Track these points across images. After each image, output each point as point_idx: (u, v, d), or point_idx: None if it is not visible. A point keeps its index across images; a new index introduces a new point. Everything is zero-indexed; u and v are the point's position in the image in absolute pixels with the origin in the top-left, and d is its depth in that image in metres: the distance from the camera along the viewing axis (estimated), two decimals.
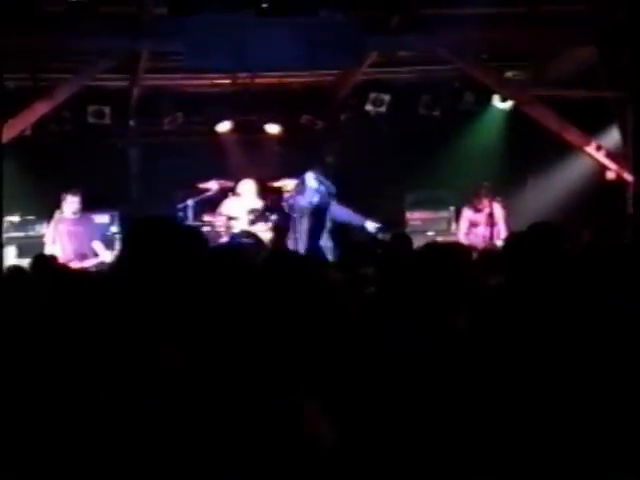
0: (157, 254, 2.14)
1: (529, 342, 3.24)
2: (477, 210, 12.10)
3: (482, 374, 3.06)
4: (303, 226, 11.15)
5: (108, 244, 11.68)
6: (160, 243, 2.16)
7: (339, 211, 11.34)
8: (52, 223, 11.36)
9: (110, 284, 3.93)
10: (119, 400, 2.08)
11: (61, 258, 10.90)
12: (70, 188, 11.33)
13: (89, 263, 10.97)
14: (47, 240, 11.32)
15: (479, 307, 3.44)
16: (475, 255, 7.15)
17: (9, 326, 4.21)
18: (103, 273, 4.60)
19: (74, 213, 11.29)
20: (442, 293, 3.31)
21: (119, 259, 2.26)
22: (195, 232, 2.38)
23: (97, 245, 11.28)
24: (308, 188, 11.26)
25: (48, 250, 11.13)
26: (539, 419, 3.02)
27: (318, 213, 11.23)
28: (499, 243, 10.85)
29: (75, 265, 10.25)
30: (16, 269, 7.06)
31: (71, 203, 11.28)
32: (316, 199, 11.20)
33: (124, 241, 2.20)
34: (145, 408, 2.06)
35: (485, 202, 11.99)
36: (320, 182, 11.27)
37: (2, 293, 5.35)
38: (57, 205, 12.06)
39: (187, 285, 2.15)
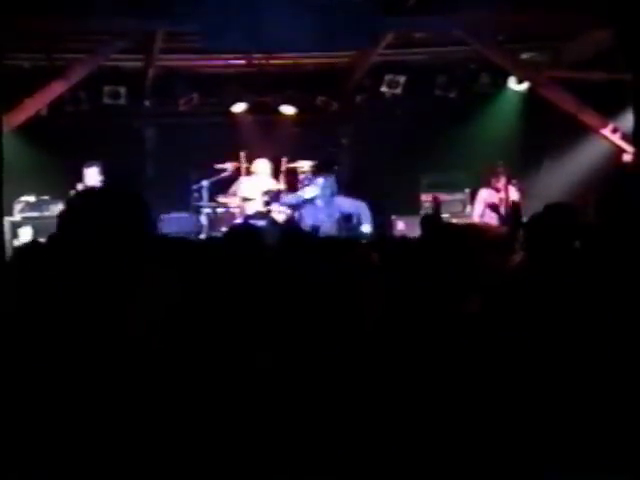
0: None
1: (544, 326, 3.23)
2: (496, 190, 11.95)
3: (492, 359, 3.05)
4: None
5: None
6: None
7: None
8: None
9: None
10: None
11: None
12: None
13: None
14: None
15: (494, 291, 3.42)
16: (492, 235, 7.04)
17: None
18: None
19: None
20: (454, 277, 3.29)
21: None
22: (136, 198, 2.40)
23: None
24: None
25: None
26: (553, 404, 3.01)
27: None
28: None
29: None
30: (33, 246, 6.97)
31: (90, 175, 11.36)
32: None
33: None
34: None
35: (502, 183, 11.88)
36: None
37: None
38: (72, 186, 12.07)
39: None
